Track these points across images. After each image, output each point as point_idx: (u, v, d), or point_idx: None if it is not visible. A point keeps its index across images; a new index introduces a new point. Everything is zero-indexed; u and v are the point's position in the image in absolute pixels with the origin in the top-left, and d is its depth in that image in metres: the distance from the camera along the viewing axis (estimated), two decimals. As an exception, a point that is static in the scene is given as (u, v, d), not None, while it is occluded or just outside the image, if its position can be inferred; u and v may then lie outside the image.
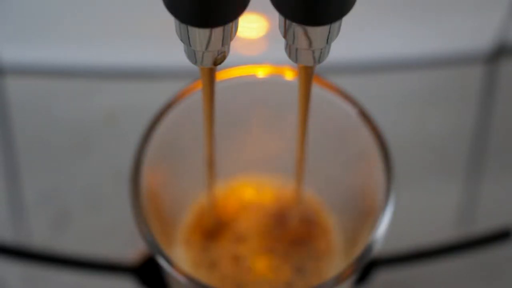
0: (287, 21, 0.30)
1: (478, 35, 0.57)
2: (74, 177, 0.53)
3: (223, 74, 0.40)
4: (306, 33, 0.30)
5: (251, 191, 0.44)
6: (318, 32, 0.30)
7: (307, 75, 0.34)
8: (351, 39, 0.51)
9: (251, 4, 0.30)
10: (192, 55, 0.32)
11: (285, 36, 0.31)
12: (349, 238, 0.41)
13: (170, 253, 0.40)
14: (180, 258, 0.42)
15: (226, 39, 0.31)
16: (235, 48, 0.36)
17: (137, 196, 0.38)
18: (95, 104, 0.55)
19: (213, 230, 0.42)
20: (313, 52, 0.32)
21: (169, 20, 0.31)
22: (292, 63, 0.33)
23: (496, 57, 0.57)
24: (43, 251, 0.47)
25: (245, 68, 0.41)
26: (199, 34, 0.30)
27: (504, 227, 0.49)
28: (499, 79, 0.57)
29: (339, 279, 0.36)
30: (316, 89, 0.38)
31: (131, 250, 0.47)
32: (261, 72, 0.41)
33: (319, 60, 0.32)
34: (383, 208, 0.37)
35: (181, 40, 0.31)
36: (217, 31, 0.30)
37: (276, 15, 0.31)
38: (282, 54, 0.33)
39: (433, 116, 0.56)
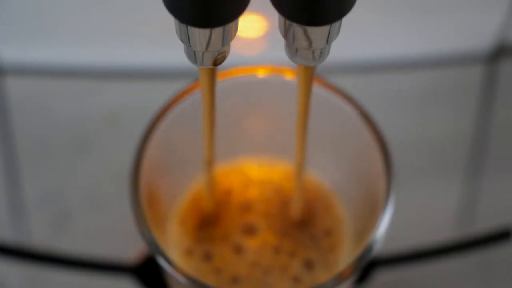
0: (287, 21, 0.30)
1: (478, 35, 0.57)
2: (74, 177, 0.53)
3: (223, 74, 0.40)
4: (306, 33, 0.30)
5: (254, 181, 0.44)
6: (318, 32, 0.30)
7: (307, 75, 0.34)
8: (351, 39, 0.51)
9: (251, 4, 0.30)
10: (192, 55, 0.32)
11: (285, 36, 0.31)
12: (358, 233, 0.41)
13: (164, 243, 0.40)
14: (174, 247, 0.41)
15: (226, 39, 0.31)
16: (235, 48, 0.36)
17: (137, 196, 0.38)
18: (95, 104, 0.55)
19: (212, 219, 0.42)
20: (313, 52, 0.32)
21: (169, 20, 0.31)
22: (292, 63, 0.33)
23: (496, 57, 0.57)
24: (43, 251, 0.47)
25: (245, 68, 0.41)
26: (199, 34, 0.30)
27: (504, 227, 0.49)
28: (499, 79, 0.57)
29: (339, 279, 0.36)
30: (316, 89, 0.38)
31: (131, 250, 0.47)
32: (261, 72, 0.41)
33: (319, 60, 0.32)
34: (383, 208, 0.37)
35: (181, 40, 0.31)
36: (217, 31, 0.30)
37: (276, 15, 0.31)
38: (282, 54, 0.33)
39: (433, 116, 0.56)
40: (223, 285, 0.40)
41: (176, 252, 0.41)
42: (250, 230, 0.42)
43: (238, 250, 0.41)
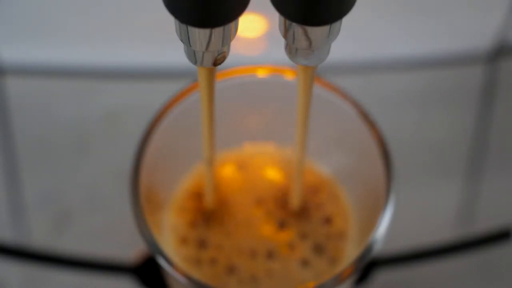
0: (287, 21, 0.30)
1: (478, 35, 0.57)
2: (74, 177, 0.53)
3: (223, 74, 0.40)
4: (306, 33, 0.30)
5: (252, 172, 0.43)
6: (318, 32, 0.30)
7: (307, 76, 0.34)
8: (351, 39, 0.51)
9: (251, 4, 0.30)
10: (192, 55, 0.32)
11: (285, 36, 0.31)
12: (363, 224, 0.41)
13: (160, 232, 0.40)
14: (169, 235, 0.41)
15: (226, 39, 0.31)
16: (235, 48, 0.36)
17: (136, 196, 0.38)
18: (95, 104, 0.55)
19: (210, 208, 0.42)
20: (313, 52, 0.32)
21: (169, 20, 0.31)
22: (292, 63, 0.33)
23: (496, 57, 0.57)
24: (43, 251, 0.47)
25: (245, 68, 0.41)
26: (199, 34, 0.30)
27: (504, 227, 0.49)
28: (499, 79, 0.57)
29: (339, 279, 0.36)
30: (316, 89, 0.38)
31: (131, 250, 0.47)
32: (261, 72, 0.41)
33: (319, 60, 0.32)
34: (383, 208, 0.37)
35: (181, 40, 0.31)
36: (217, 31, 0.30)
37: (276, 15, 0.31)
38: (282, 54, 0.33)
39: (433, 116, 0.56)
40: (220, 274, 0.40)
41: (172, 240, 0.41)
42: (249, 218, 0.42)
43: (237, 240, 0.41)
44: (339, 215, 0.42)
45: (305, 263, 0.41)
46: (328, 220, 0.42)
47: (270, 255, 0.41)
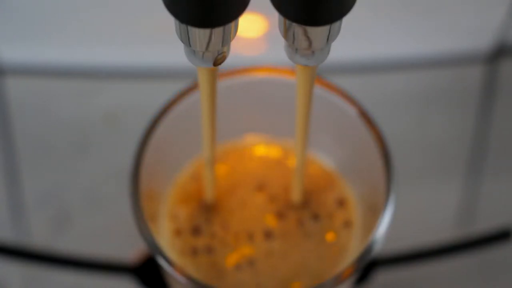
0: (287, 21, 0.30)
1: (478, 35, 0.57)
2: (74, 177, 0.53)
3: (223, 74, 0.40)
4: (306, 33, 0.31)
5: (251, 164, 0.43)
6: (318, 32, 0.30)
7: (307, 76, 0.34)
8: (351, 39, 0.51)
9: (251, 4, 0.30)
10: (192, 55, 0.32)
11: (285, 36, 0.31)
12: (364, 223, 0.41)
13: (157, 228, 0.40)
14: (166, 229, 0.41)
15: (226, 39, 0.31)
16: (235, 48, 0.36)
17: (136, 196, 0.38)
18: (95, 104, 0.56)
19: (212, 200, 0.42)
20: (313, 52, 0.32)
21: (169, 20, 0.31)
22: (292, 63, 0.33)
23: (496, 57, 0.57)
24: (43, 251, 0.47)
25: (245, 68, 0.41)
26: (199, 34, 0.30)
27: (504, 227, 0.49)
28: (499, 79, 0.57)
29: (339, 279, 0.36)
30: (316, 89, 0.38)
31: (131, 250, 0.47)
32: (261, 72, 0.41)
33: (319, 60, 0.32)
34: (383, 208, 0.37)
35: (181, 40, 0.31)
36: (217, 31, 0.30)
37: (276, 15, 0.31)
38: (282, 54, 0.33)
39: (433, 116, 0.56)
40: (217, 261, 0.40)
41: (169, 232, 0.41)
42: (249, 204, 0.42)
43: (237, 224, 0.41)
44: (345, 204, 0.42)
45: (305, 248, 0.41)
46: (340, 203, 0.42)
47: (268, 236, 0.41)
